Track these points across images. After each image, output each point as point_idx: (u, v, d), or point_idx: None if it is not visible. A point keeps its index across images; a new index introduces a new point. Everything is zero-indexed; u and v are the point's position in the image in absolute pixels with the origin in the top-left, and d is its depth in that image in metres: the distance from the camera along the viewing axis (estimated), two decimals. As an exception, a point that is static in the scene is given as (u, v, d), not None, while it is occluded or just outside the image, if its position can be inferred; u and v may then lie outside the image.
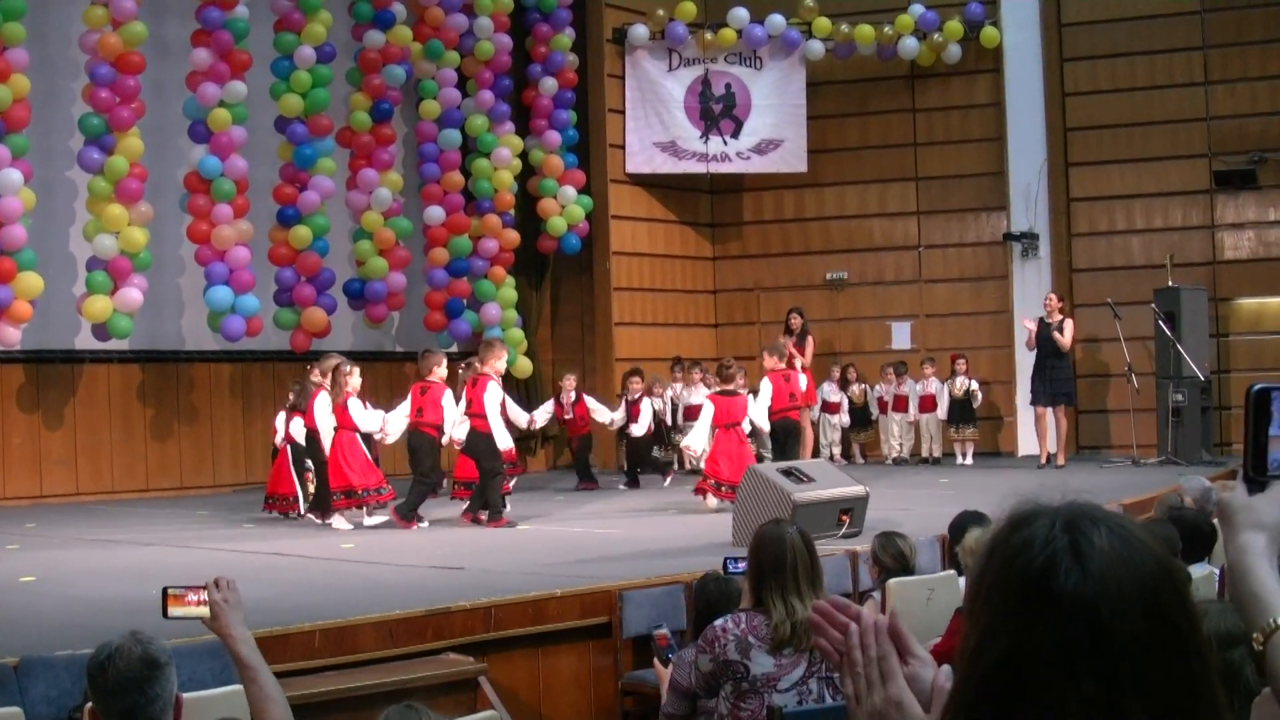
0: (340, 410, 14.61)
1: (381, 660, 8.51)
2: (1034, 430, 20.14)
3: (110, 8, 17.27)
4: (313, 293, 19.12)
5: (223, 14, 18.08)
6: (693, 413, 20.09)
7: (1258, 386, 2.68)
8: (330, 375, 14.84)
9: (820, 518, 11.93)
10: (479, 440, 14.58)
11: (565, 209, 21.55)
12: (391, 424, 14.94)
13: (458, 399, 14.91)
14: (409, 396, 14.97)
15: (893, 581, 8.61)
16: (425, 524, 14.52)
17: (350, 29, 19.95)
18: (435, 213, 20.63)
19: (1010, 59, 22.08)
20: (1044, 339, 19.37)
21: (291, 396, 15.80)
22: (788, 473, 12.65)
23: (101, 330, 17.54)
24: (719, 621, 6.20)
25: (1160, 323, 19.73)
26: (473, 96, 21.05)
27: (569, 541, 13.09)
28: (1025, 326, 19.84)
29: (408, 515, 14.44)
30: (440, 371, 14.88)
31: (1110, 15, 21.84)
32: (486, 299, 20.94)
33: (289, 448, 15.52)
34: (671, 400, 20.74)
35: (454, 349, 20.70)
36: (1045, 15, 21.98)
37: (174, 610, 4.48)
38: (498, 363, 14.83)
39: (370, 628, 8.59)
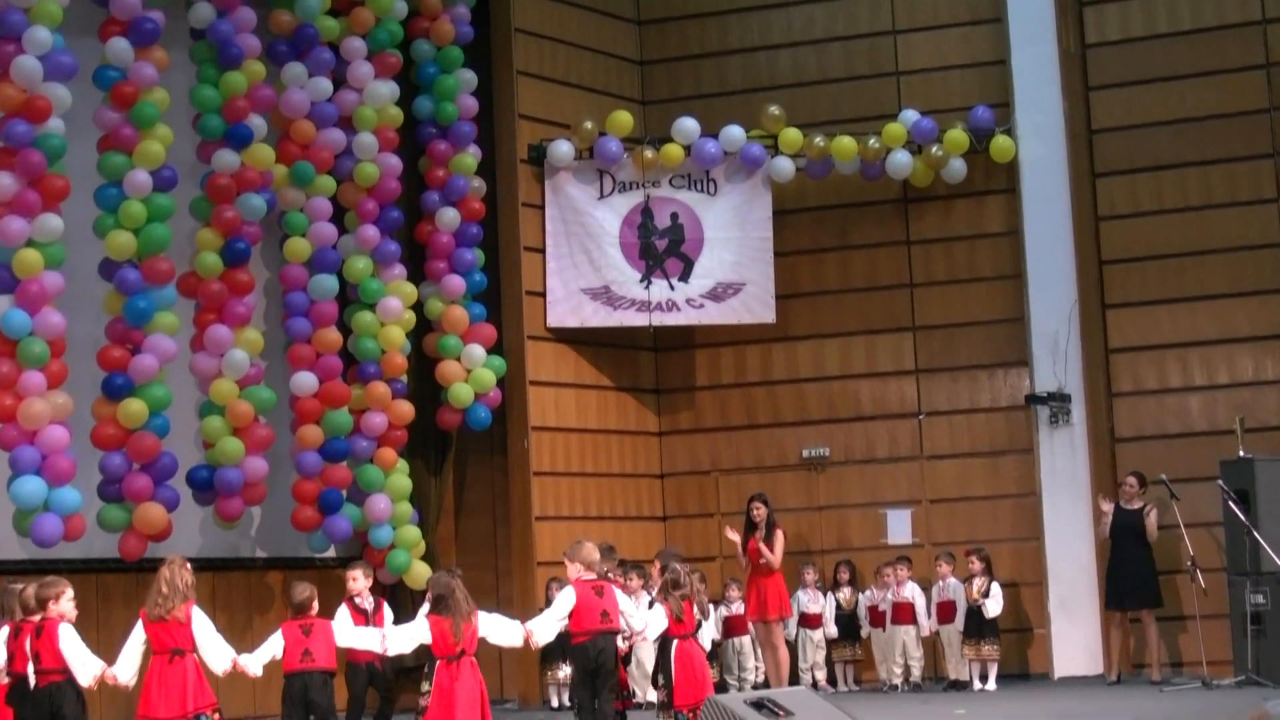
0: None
1: None
2: (1069, 642, 20.92)
3: (-118, 119, 17.05)
4: (149, 483, 18.46)
5: (31, 128, 17.55)
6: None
7: None
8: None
9: (799, 760, 12.17)
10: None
11: (472, 373, 21.30)
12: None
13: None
14: (277, 635, 14.63)
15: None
16: None
17: (196, 147, 19.68)
18: (306, 380, 20.19)
19: (1029, 176, 22.04)
20: (1123, 527, 20.17)
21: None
22: (758, 705, 12.93)
23: None
24: None
25: (1231, 504, 19.53)
26: (352, 233, 20.76)
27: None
28: (1102, 509, 20.36)
29: None
30: (315, 606, 14.88)
31: (1152, 118, 21.87)
32: (372, 489, 20.45)
33: None
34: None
35: (330, 553, 20.36)
36: (1071, 120, 21.95)
37: None
38: None
39: None
